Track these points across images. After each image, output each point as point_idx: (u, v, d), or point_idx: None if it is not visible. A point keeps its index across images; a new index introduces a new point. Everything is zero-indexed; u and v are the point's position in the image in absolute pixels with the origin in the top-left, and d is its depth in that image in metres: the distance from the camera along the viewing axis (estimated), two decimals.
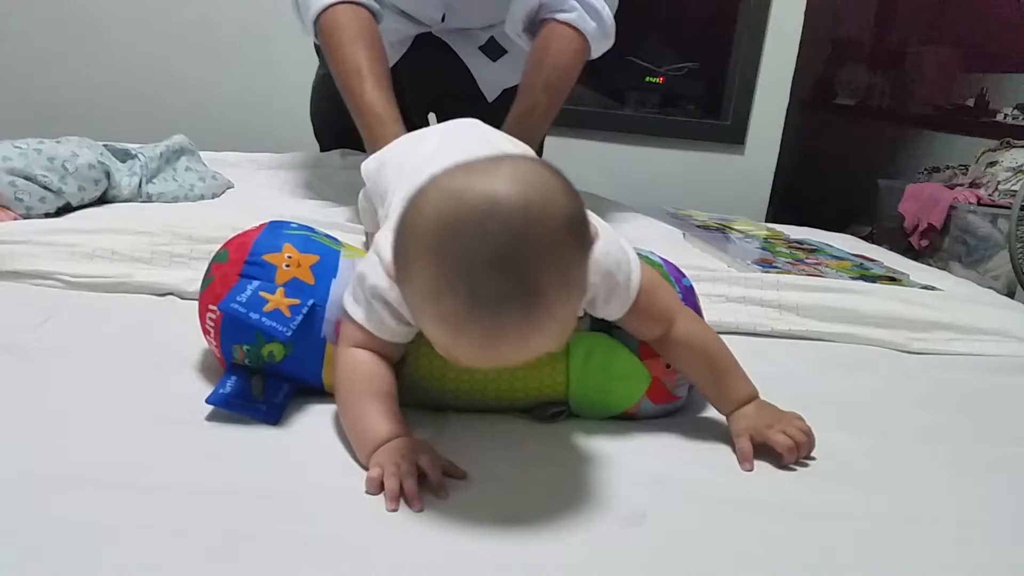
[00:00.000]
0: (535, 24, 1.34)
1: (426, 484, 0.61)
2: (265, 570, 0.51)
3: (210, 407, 0.70)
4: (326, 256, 0.77)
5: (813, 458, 0.72)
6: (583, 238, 0.59)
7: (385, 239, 0.65)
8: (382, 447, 0.63)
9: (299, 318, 0.71)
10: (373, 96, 1.17)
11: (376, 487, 0.60)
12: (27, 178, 1.16)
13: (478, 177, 0.56)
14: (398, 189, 0.81)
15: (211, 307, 0.75)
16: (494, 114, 1.15)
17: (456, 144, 0.86)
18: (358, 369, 0.69)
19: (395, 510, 0.58)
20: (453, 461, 0.64)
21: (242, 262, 0.75)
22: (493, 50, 1.57)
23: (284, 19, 1.39)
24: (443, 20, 1.49)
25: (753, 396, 0.75)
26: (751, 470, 0.70)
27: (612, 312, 0.72)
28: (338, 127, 1.67)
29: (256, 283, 0.73)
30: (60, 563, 0.50)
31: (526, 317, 0.55)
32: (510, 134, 1.01)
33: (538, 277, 0.55)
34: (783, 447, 0.70)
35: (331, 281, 0.75)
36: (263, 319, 0.70)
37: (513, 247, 0.54)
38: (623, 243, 0.72)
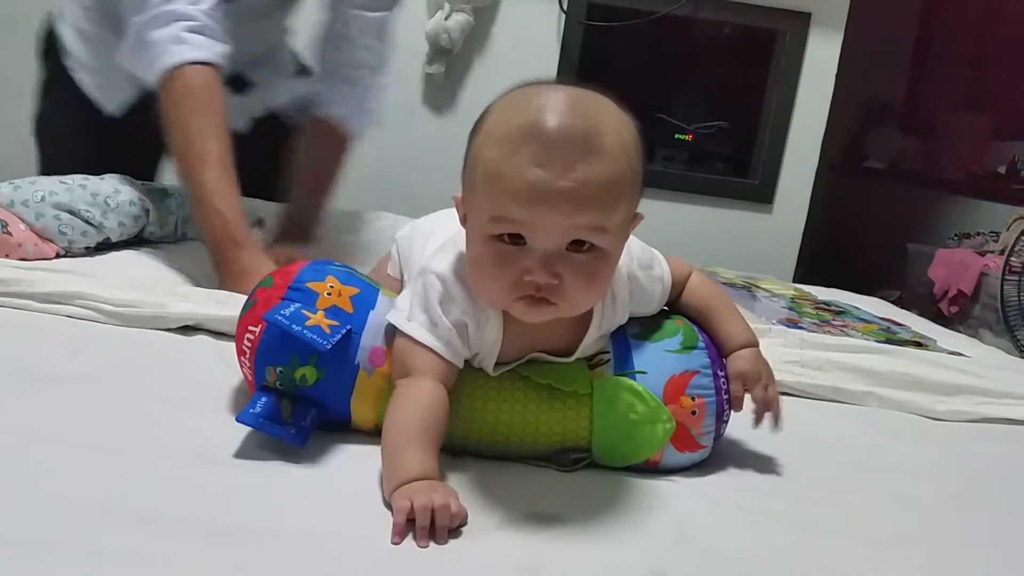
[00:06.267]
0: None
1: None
2: None
3: (237, 445, 0.71)
4: (366, 290, 0.81)
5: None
6: (635, 132, 0.69)
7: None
8: (411, 483, 0.63)
9: (338, 336, 0.74)
10: (217, 189, 1.14)
11: (404, 517, 0.60)
12: (71, 212, 1.20)
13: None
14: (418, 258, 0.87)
15: (251, 327, 0.77)
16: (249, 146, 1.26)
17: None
18: (417, 402, 0.70)
19: (425, 546, 0.59)
20: (470, 508, 0.64)
21: (286, 287, 0.79)
22: (238, 85, 1.49)
23: None
24: None
25: (752, 343, 0.83)
26: (740, 410, 0.81)
27: (658, 298, 0.82)
28: None
29: (298, 304, 0.77)
30: None
31: (583, 136, 0.64)
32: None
33: (595, 114, 0.66)
34: (758, 399, 0.81)
35: (369, 312, 0.78)
36: (304, 331, 0.73)
37: (575, 98, 0.67)
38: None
